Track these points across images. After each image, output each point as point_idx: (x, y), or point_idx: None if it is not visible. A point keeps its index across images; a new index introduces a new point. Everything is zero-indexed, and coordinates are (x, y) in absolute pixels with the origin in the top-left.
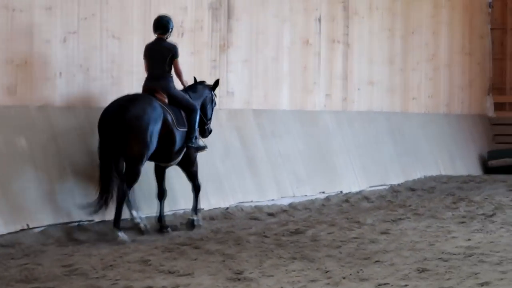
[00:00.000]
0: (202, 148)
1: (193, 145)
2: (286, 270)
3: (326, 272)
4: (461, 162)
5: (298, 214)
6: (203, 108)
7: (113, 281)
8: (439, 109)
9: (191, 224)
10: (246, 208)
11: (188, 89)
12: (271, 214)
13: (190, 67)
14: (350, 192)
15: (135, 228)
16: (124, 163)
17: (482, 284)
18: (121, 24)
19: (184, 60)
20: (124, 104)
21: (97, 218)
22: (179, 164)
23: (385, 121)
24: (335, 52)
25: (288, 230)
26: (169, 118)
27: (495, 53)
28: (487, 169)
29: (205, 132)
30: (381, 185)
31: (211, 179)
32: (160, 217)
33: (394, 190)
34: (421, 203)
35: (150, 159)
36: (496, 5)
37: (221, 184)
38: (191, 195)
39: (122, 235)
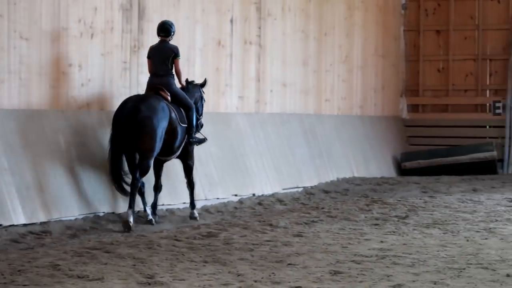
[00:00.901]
0: (203, 140)
1: (194, 139)
2: (197, 274)
3: (238, 275)
4: (375, 164)
5: (211, 217)
6: (195, 105)
7: (22, 286)
8: (352, 111)
9: (192, 217)
10: (158, 211)
11: (181, 89)
12: (183, 218)
13: (100, 69)
14: (263, 195)
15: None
16: (138, 157)
17: (394, 286)
18: (29, 25)
19: (94, 62)
20: (137, 105)
21: (5, 222)
22: (179, 158)
23: (299, 123)
24: (248, 53)
25: (200, 234)
26: (174, 115)
27: (409, 55)
28: (401, 171)
29: (197, 126)
30: (295, 188)
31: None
32: (154, 206)
33: (307, 192)
34: (334, 206)
35: None
36: (410, 7)
37: None
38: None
39: (132, 221)
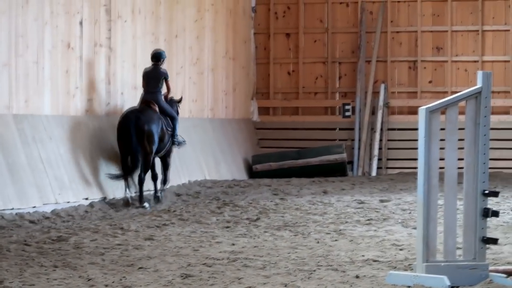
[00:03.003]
0: (183, 143)
1: (177, 142)
2: (47, 278)
3: (89, 280)
4: (226, 166)
5: (61, 221)
6: None
7: None
8: (203, 113)
9: (156, 199)
10: (6, 216)
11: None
12: (32, 222)
13: None
14: (114, 198)
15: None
16: (140, 157)
17: None
18: None
19: None
20: (139, 116)
21: None
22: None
23: None
24: (98, 56)
25: (50, 238)
26: (163, 124)
27: (259, 57)
28: (252, 174)
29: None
30: (146, 191)
31: None
32: (155, 193)
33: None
34: (186, 208)
35: None
36: (260, 10)
37: None
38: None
39: (147, 205)
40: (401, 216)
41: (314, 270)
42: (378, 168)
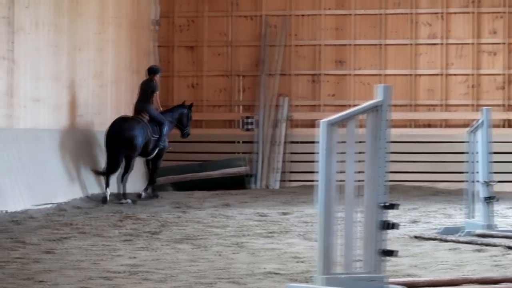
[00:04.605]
0: (167, 147)
1: (161, 145)
2: None
3: None
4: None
5: None
6: (181, 120)
7: None
8: (105, 126)
9: (138, 196)
10: None
11: (167, 111)
12: None
13: None
14: (15, 211)
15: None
16: (124, 159)
17: None
18: None
19: None
20: (123, 124)
21: None
22: (151, 159)
23: (52, 138)
24: (0, 68)
25: None
26: (148, 131)
27: (162, 70)
28: (154, 187)
29: (184, 135)
30: (48, 204)
31: None
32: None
33: (60, 208)
34: (87, 222)
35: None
36: (163, 23)
37: None
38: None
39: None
40: (302, 228)
41: (215, 283)
42: (280, 181)
